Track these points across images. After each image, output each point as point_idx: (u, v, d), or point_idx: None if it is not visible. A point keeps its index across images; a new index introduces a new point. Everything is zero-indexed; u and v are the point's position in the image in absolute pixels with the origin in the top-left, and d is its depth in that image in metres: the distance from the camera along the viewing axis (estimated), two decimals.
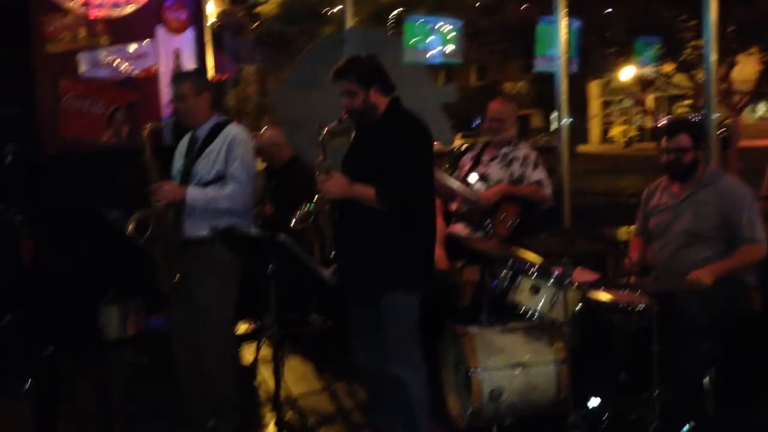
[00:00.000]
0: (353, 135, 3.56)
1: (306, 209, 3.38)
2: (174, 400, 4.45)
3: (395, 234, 3.31)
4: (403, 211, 3.31)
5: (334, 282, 3.09)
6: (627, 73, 24.22)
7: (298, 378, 4.88)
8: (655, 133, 32.13)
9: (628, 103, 35.87)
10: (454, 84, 6.71)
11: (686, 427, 3.58)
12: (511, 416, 3.80)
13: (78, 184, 5.68)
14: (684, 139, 3.90)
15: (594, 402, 3.80)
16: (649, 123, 36.21)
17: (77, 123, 5.94)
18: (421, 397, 3.43)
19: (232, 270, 3.90)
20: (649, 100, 35.07)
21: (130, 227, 3.68)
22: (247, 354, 5.22)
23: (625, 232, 6.76)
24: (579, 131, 29.47)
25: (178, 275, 3.81)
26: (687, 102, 29.71)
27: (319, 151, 3.40)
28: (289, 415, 4.31)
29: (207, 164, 3.81)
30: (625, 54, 10.78)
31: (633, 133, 35.79)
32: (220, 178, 3.81)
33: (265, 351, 5.30)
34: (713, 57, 4.42)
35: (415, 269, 3.40)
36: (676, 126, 4.01)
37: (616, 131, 36.64)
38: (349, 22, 6.05)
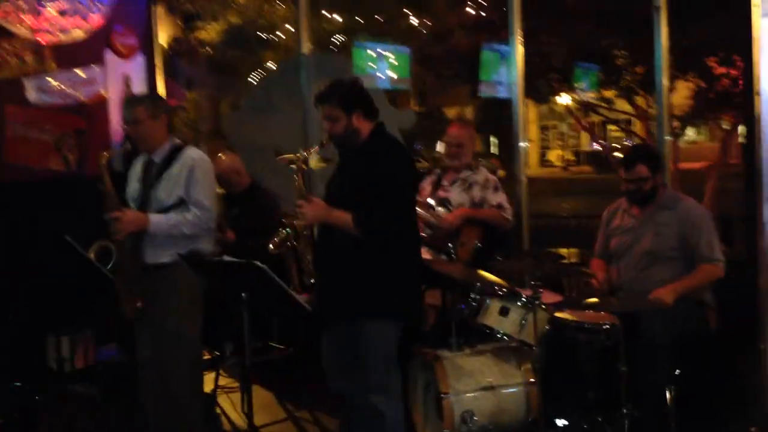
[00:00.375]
0: (338, 161, 3.52)
1: (284, 234, 3.33)
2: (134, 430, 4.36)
3: (375, 261, 3.26)
4: (382, 238, 3.26)
5: (311, 309, 3.04)
6: (565, 98, 24.91)
7: (260, 407, 4.78)
8: (593, 159, 33.03)
9: (564, 127, 36.79)
10: (411, 110, 6.77)
11: None
12: None
13: (26, 213, 5.51)
14: (642, 169, 4.00)
15: (563, 422, 3.83)
16: (585, 146, 37.16)
17: (24, 150, 5.75)
18: (397, 426, 3.38)
19: (196, 294, 3.84)
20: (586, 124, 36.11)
21: (92, 257, 3.57)
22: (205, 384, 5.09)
23: (576, 254, 6.92)
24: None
25: (139, 302, 3.72)
26: (618, 127, 30.76)
27: (297, 176, 3.36)
28: None
29: (167, 188, 3.74)
30: (566, 80, 11.06)
31: (570, 157, 36.65)
32: (181, 203, 3.74)
33: (223, 380, 5.21)
34: (665, 81, 4.57)
35: (395, 298, 3.32)
36: (633, 157, 4.09)
37: (553, 155, 37.45)
38: (305, 47, 6.03)
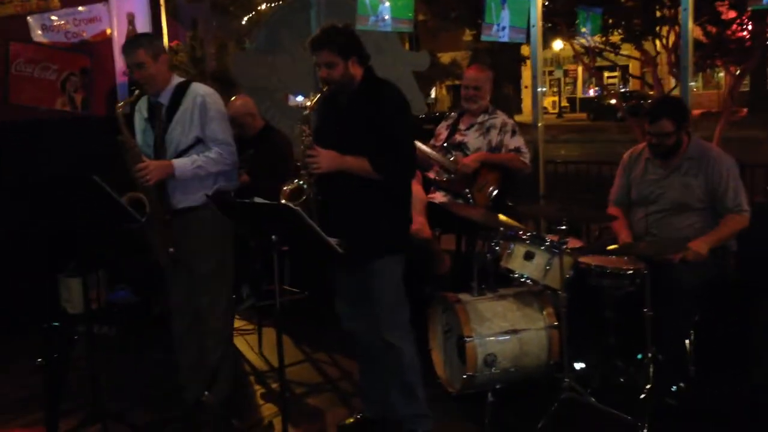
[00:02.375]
0: (322, 107, 3.44)
1: (297, 184, 3.29)
2: (154, 370, 4.38)
3: (382, 202, 3.34)
4: (400, 177, 3.36)
5: (342, 252, 3.01)
6: (559, 44, 24.60)
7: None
8: (587, 106, 32.86)
9: (559, 74, 36.52)
10: (425, 51, 6.64)
11: (674, 388, 3.69)
12: (504, 382, 3.84)
13: (32, 152, 5.43)
14: (666, 124, 3.92)
15: (583, 366, 3.87)
16: (579, 93, 36.99)
17: (30, 90, 5.66)
18: (413, 359, 3.46)
19: (227, 234, 3.83)
20: (580, 71, 35.80)
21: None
22: None
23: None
24: (514, 102, 29.79)
25: (171, 248, 3.69)
26: (615, 74, 30.53)
27: (304, 126, 3.32)
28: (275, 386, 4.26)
29: (183, 130, 3.66)
30: (569, 24, 10.87)
31: (564, 104, 36.52)
32: (198, 142, 3.68)
33: (238, 323, 5.23)
34: (690, 24, 4.47)
35: (399, 234, 3.45)
36: (658, 111, 3.99)
37: (547, 102, 37.29)
38: None
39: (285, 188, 3.34)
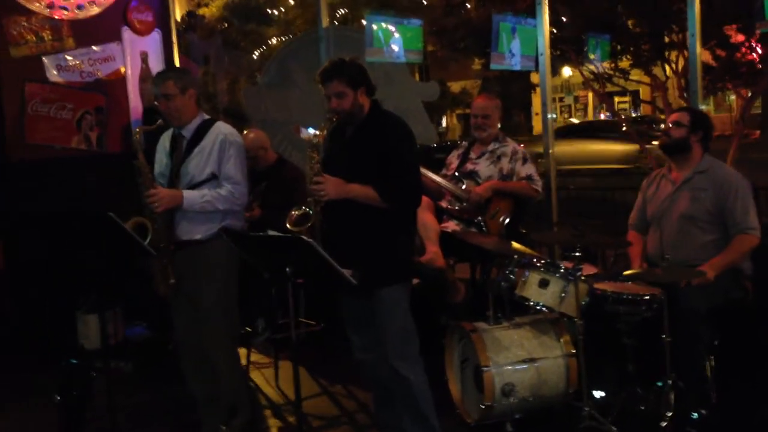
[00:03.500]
0: (329, 138, 3.53)
1: (304, 211, 3.32)
2: (171, 405, 4.38)
3: (388, 230, 3.39)
4: (408, 205, 3.44)
5: (355, 283, 3.02)
6: (568, 70, 24.65)
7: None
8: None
9: (570, 100, 36.56)
10: (434, 82, 6.69)
11: (695, 415, 3.64)
12: (522, 411, 3.81)
13: (49, 191, 5.50)
14: (682, 116, 4.06)
15: (602, 394, 3.83)
16: (591, 118, 36.92)
17: (44, 128, 5.74)
18: (423, 388, 3.44)
19: (231, 270, 3.84)
20: (591, 96, 35.86)
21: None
22: None
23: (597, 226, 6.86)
24: (525, 129, 29.84)
25: (172, 279, 3.71)
26: (625, 98, 30.55)
27: (313, 153, 3.39)
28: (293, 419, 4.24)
29: (198, 164, 3.72)
30: (577, 52, 10.91)
31: None
32: (212, 178, 3.72)
33: (254, 356, 5.22)
34: (698, 49, 4.51)
35: (404, 263, 3.49)
36: (683, 107, 4.23)
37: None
38: (324, 21, 5.97)
39: (292, 213, 3.39)
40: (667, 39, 10.06)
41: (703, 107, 4.78)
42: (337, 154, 3.50)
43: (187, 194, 3.66)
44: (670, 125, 4.09)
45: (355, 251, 3.31)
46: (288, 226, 3.37)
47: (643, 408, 3.75)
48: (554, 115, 5.06)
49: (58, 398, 3.53)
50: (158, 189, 3.65)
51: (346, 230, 3.38)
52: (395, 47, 6.63)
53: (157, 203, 3.59)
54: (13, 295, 5.57)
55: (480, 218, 4.74)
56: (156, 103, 3.86)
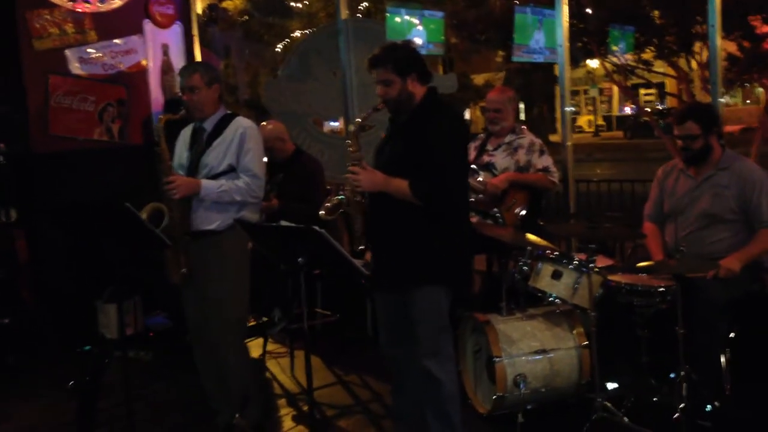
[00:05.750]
0: (387, 127, 3.45)
1: (337, 200, 3.29)
2: (188, 394, 4.43)
3: (427, 229, 3.22)
4: (438, 205, 3.21)
5: (367, 274, 3.04)
6: (594, 62, 24.45)
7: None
8: (623, 124, 32.59)
9: (594, 92, 36.25)
10: (453, 74, 6.68)
11: (709, 408, 3.63)
12: (534, 402, 3.82)
13: (71, 182, 5.59)
14: (691, 126, 3.92)
15: (615, 386, 3.83)
16: (615, 111, 36.62)
17: (67, 120, 5.82)
18: (453, 390, 3.32)
19: (242, 262, 3.87)
20: (615, 89, 35.53)
21: (144, 217, 3.60)
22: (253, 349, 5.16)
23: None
24: (548, 121, 29.64)
25: (185, 268, 3.76)
26: (651, 91, 30.24)
27: (352, 142, 3.30)
28: (306, 408, 4.28)
29: (218, 155, 3.77)
30: (601, 43, 10.83)
31: (599, 122, 36.22)
32: (230, 170, 3.77)
33: (270, 346, 5.28)
34: (718, 40, 4.46)
35: (446, 265, 3.27)
36: (685, 113, 4.02)
37: (583, 121, 37.01)
38: (343, 13, 5.98)
39: (327, 204, 3.34)
40: (692, 30, 9.96)
41: (722, 100, 4.72)
42: (386, 143, 3.41)
43: (205, 183, 3.72)
44: (682, 138, 3.95)
45: (388, 245, 3.28)
46: (321, 213, 3.35)
47: (656, 399, 3.75)
48: (573, 108, 5.04)
49: (71, 383, 3.59)
50: (176, 176, 3.71)
51: (386, 225, 3.29)
52: (418, 40, 6.65)
53: (175, 190, 3.65)
54: (36, 287, 5.67)
55: (496, 210, 4.74)
56: (180, 94, 3.91)
